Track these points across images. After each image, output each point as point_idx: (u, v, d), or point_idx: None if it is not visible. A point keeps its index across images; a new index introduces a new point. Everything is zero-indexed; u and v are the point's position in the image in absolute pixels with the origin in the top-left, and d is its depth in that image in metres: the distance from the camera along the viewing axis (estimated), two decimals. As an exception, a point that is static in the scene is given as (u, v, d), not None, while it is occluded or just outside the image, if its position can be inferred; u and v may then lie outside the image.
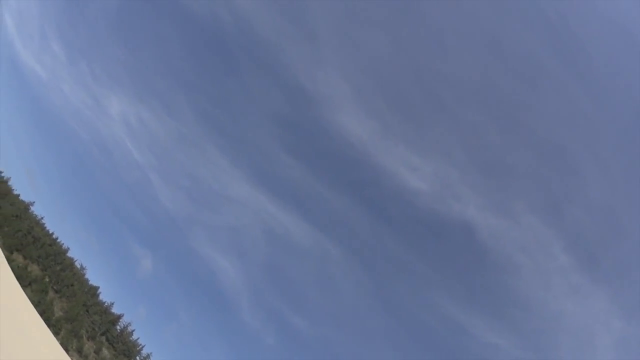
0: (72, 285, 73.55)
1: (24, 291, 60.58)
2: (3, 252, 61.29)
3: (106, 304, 77.72)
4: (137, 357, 72.86)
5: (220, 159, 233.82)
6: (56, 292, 69.19)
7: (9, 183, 72.90)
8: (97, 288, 79.82)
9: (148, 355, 77.42)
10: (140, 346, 77.65)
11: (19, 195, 73.65)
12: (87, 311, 72.15)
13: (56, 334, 61.92)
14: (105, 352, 70.92)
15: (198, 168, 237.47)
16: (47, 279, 68.88)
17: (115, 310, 78.01)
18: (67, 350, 61.73)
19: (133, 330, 77.58)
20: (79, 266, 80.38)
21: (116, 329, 73.62)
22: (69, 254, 79.39)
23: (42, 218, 77.62)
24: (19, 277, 61.29)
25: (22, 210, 71.41)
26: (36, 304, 61.10)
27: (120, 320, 75.75)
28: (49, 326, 60.47)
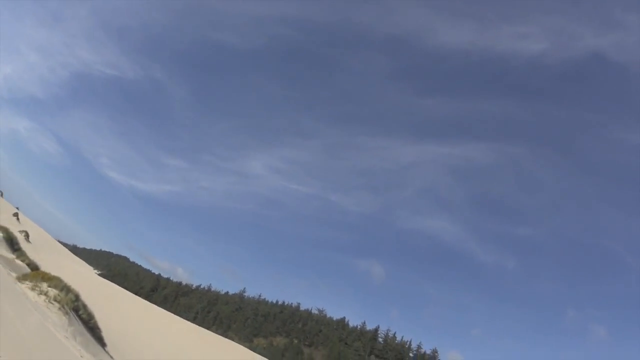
0: (320, 331, 71.91)
1: (278, 362, 59.89)
2: (240, 343, 62.90)
3: (358, 326, 73.45)
4: (410, 354, 64.12)
5: (370, 140, 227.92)
6: (309, 345, 67.91)
7: (202, 288, 78.40)
8: (343, 319, 77.03)
9: (419, 346, 68.29)
10: (408, 341, 69.44)
11: (227, 292, 78.57)
12: (346, 344, 68.45)
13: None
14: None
15: (362, 160, 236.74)
16: (295, 341, 68.53)
17: (368, 326, 72.97)
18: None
19: (394, 333, 70.39)
20: (316, 311, 79.85)
21: (379, 342, 67.32)
22: (302, 307, 79.90)
23: (259, 295, 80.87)
24: (266, 355, 61.45)
25: (237, 301, 75.06)
26: (295, 366, 59.68)
27: (378, 331, 69.66)
28: (316, 378, 57.71)
